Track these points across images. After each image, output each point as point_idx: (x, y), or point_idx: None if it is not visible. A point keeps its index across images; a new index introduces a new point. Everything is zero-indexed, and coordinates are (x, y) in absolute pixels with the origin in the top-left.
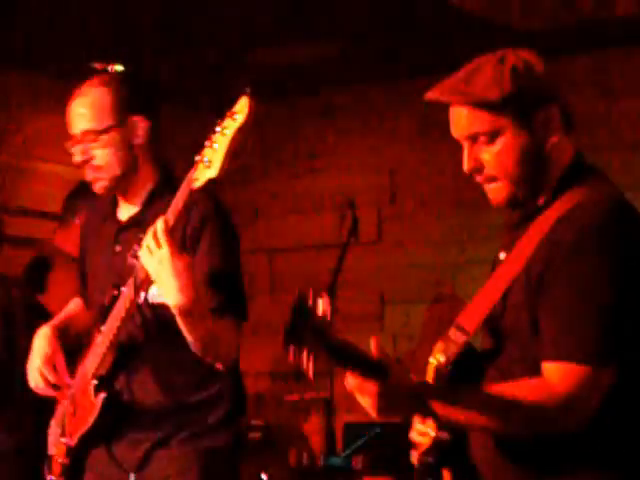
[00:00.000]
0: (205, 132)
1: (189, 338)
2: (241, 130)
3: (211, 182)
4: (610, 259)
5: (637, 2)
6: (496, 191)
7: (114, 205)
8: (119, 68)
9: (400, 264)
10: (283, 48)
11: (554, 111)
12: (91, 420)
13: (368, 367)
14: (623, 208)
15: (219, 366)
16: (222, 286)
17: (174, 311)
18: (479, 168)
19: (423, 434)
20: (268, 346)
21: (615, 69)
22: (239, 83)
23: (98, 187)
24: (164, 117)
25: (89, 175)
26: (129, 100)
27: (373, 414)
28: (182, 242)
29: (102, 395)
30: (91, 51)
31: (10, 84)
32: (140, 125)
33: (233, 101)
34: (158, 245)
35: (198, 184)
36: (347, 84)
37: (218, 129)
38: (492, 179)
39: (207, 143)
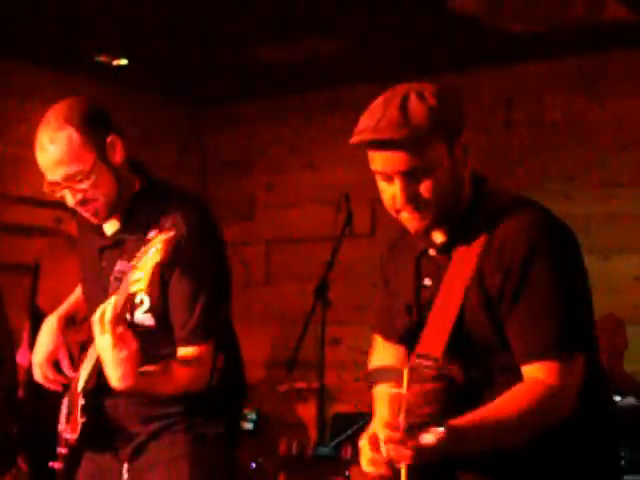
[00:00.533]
0: (204, 127)
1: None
2: (160, 263)
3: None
4: (560, 264)
5: (627, 6)
6: (420, 219)
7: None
8: (123, 62)
9: None
10: (280, 46)
11: (467, 140)
12: (75, 437)
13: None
14: (552, 216)
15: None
16: (195, 313)
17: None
18: (416, 200)
19: (377, 463)
20: (263, 335)
21: (605, 71)
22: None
23: (100, 219)
24: (163, 113)
25: (86, 212)
26: (95, 127)
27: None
28: (162, 269)
29: (81, 420)
30: (93, 44)
31: (14, 75)
32: (115, 143)
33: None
34: (102, 331)
35: (132, 290)
36: (344, 83)
37: (146, 248)
38: (423, 209)
39: (139, 254)
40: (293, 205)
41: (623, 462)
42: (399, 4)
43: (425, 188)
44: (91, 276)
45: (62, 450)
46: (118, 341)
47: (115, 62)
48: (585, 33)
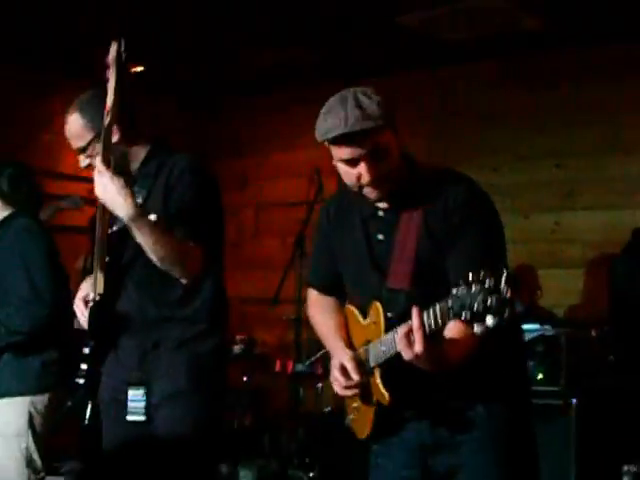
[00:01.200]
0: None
1: (148, 250)
2: (117, 66)
3: (113, 116)
4: (495, 215)
5: (541, 19)
6: (380, 191)
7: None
8: (139, 69)
9: None
10: (266, 53)
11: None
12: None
13: None
14: (477, 184)
15: (182, 280)
16: (187, 220)
17: (127, 223)
18: (379, 176)
19: (350, 387)
20: (253, 278)
21: (523, 72)
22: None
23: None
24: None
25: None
26: (97, 113)
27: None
28: (165, 189)
29: (89, 306)
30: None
31: (52, 86)
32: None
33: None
34: (101, 175)
35: (106, 122)
36: (318, 81)
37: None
38: (383, 182)
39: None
40: (277, 178)
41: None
42: (355, 20)
43: (384, 166)
44: None
45: (83, 365)
46: (111, 174)
47: (133, 69)
48: (504, 41)
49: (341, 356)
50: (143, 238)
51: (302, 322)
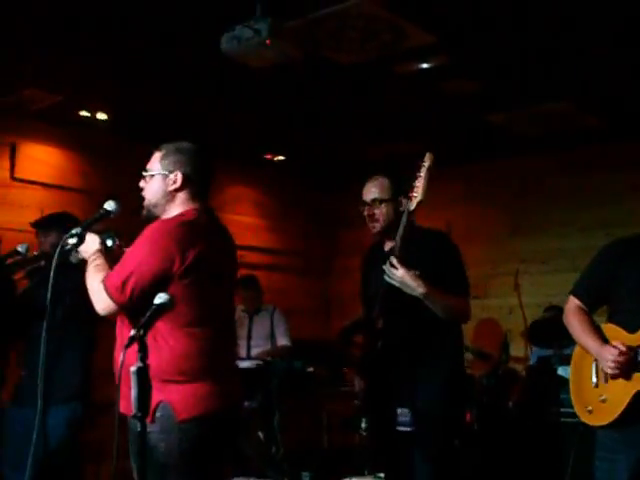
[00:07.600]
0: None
1: (436, 310)
2: (428, 170)
3: (420, 204)
4: None
5: (597, 119)
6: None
7: (382, 242)
8: (280, 158)
9: None
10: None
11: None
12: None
13: None
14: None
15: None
16: (457, 280)
17: (422, 298)
18: None
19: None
20: None
21: (583, 161)
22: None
23: (376, 231)
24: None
25: (375, 228)
26: (396, 188)
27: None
28: (429, 260)
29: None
30: (262, 146)
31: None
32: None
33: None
34: (396, 268)
35: (412, 207)
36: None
37: (418, 174)
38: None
39: (414, 184)
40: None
41: None
42: (449, 120)
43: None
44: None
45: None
46: (406, 268)
47: (275, 158)
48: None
49: (607, 346)
50: (434, 305)
51: None
